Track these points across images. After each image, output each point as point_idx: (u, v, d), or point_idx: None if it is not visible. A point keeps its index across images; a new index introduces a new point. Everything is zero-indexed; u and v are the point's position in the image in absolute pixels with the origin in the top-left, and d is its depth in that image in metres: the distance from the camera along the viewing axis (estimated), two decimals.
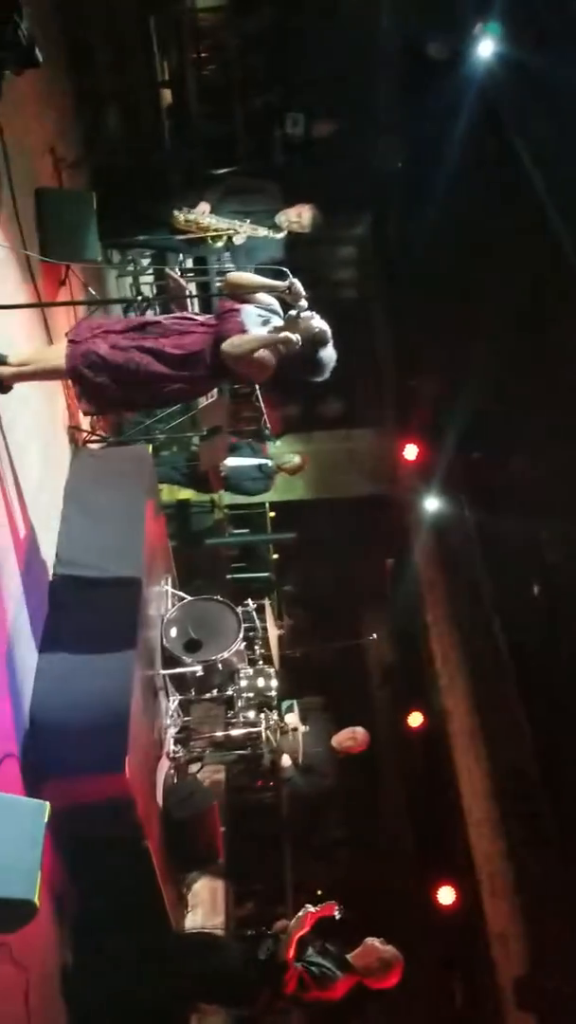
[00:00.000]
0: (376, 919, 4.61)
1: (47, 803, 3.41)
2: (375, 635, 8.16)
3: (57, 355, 4.06)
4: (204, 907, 6.38)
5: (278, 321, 4.10)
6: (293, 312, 4.01)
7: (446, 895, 7.07)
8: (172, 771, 5.53)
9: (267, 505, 8.90)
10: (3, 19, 3.24)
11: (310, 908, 4.40)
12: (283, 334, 3.94)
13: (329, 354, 4.03)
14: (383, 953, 4.38)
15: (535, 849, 6.39)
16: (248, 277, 4.27)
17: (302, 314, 3.96)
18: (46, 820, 3.37)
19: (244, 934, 5.39)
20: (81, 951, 4.57)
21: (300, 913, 4.41)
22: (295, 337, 3.92)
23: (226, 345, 3.94)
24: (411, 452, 8.59)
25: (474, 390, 7.57)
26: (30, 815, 3.35)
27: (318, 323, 3.97)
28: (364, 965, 4.40)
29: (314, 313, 4.00)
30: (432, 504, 8.48)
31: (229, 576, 8.52)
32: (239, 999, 4.87)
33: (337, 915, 4.40)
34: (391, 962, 4.37)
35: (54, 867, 4.27)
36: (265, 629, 6.49)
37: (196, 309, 6.09)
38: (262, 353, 3.96)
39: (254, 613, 6.36)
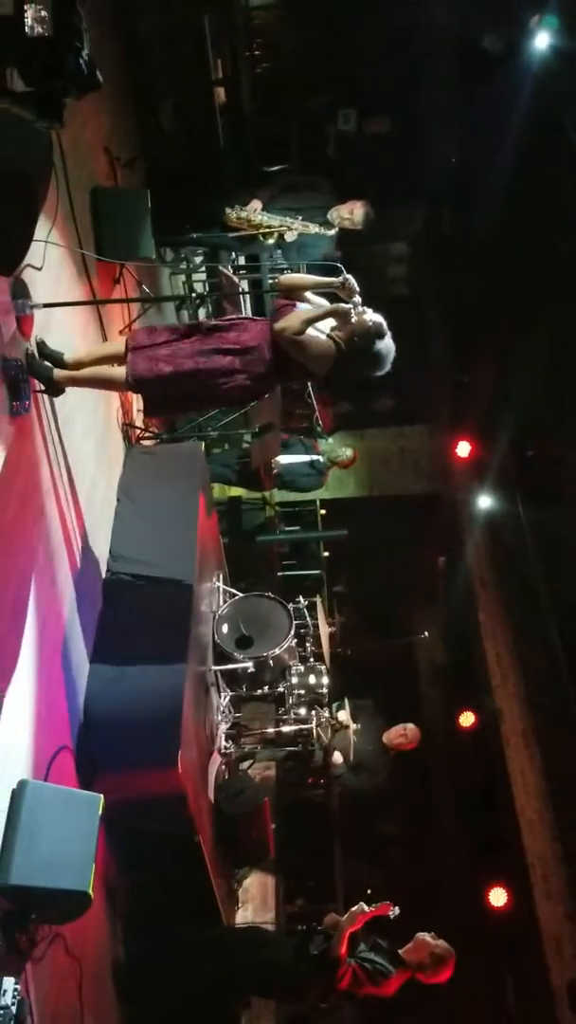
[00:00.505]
0: (427, 919, 4.57)
1: (101, 796, 3.45)
2: (426, 633, 8.10)
3: (115, 351, 4.08)
4: (255, 903, 6.40)
5: (332, 321, 4.09)
6: (347, 305, 3.99)
7: (498, 896, 7.01)
8: (223, 767, 5.56)
9: (318, 503, 8.89)
10: (66, 49, 3.25)
11: (364, 907, 4.39)
12: (333, 305, 3.94)
13: (388, 345, 4.00)
14: (435, 948, 4.37)
15: None
16: (300, 278, 4.29)
17: (356, 309, 3.94)
18: (100, 813, 3.41)
19: (295, 929, 5.39)
20: (133, 944, 4.61)
21: (354, 909, 4.40)
22: (345, 307, 3.91)
23: (277, 325, 3.95)
24: (464, 449, 8.50)
25: (528, 386, 7.48)
26: (85, 808, 3.39)
27: (372, 316, 3.95)
28: (416, 960, 4.39)
29: (369, 310, 3.98)
30: (485, 502, 8.38)
31: (280, 574, 8.52)
32: (291, 993, 4.89)
33: (391, 915, 4.39)
34: (444, 957, 4.36)
35: (107, 860, 4.32)
36: (316, 626, 6.48)
37: (248, 306, 6.12)
38: (321, 342, 3.95)
39: (305, 610, 6.35)
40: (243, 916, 6.08)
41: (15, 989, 2.88)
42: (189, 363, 3.96)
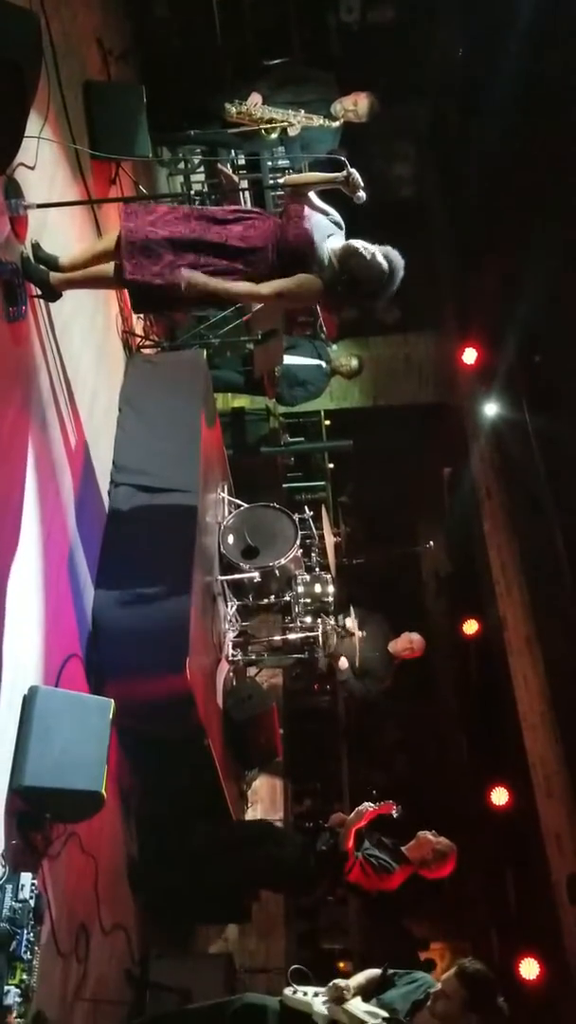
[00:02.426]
0: (430, 819, 4.70)
1: (112, 701, 3.50)
2: (431, 543, 8.12)
3: (108, 244, 3.93)
4: (264, 804, 6.58)
5: (340, 239, 3.97)
6: (351, 246, 3.87)
7: (500, 796, 7.19)
8: (231, 674, 5.64)
9: (322, 413, 8.80)
10: None
11: (370, 805, 4.51)
12: (337, 174, 3.85)
13: (396, 278, 3.87)
14: (437, 844, 4.49)
15: None
16: (306, 175, 4.16)
17: (359, 248, 3.83)
18: (111, 717, 3.46)
19: (303, 826, 5.56)
20: (146, 842, 4.75)
21: (360, 808, 4.52)
22: (343, 174, 3.83)
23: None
24: (470, 356, 8.34)
25: (537, 291, 7.30)
26: (96, 712, 3.45)
27: (380, 257, 3.83)
28: (419, 857, 4.52)
29: (375, 250, 3.85)
30: (491, 410, 8.27)
31: (285, 485, 8.50)
32: (299, 886, 5.08)
33: (395, 814, 4.50)
34: (445, 852, 4.49)
35: (121, 764, 4.41)
36: (322, 537, 6.49)
37: (249, 205, 5.93)
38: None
39: (311, 521, 6.35)
40: (252, 816, 6.25)
41: (32, 884, 2.97)
42: (189, 257, 3.83)
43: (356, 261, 3.84)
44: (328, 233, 3.97)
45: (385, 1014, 3.14)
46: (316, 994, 3.27)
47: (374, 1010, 3.17)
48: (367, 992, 3.34)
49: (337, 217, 4.06)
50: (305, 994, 3.28)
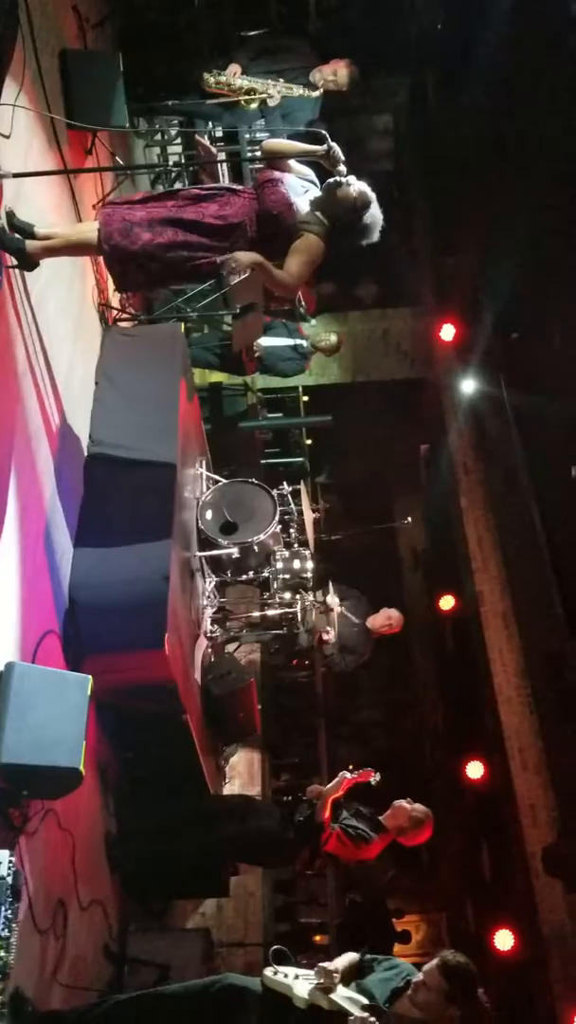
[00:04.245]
0: (407, 793, 4.73)
1: (90, 677, 3.49)
2: (409, 519, 8.14)
3: (89, 227, 3.93)
4: (242, 778, 6.61)
5: (317, 191, 3.95)
6: (332, 180, 3.87)
7: (475, 769, 7.26)
8: (210, 650, 5.63)
9: (300, 389, 8.76)
10: None
11: (347, 774, 4.54)
12: (317, 147, 3.88)
13: (374, 214, 3.91)
14: (413, 812, 4.53)
15: (566, 724, 6.49)
16: (285, 143, 4.11)
17: (341, 179, 3.80)
18: (89, 693, 3.45)
19: (280, 799, 5.58)
20: (124, 817, 4.75)
21: (337, 778, 4.55)
22: (323, 148, 3.84)
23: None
24: (448, 332, 8.34)
25: (514, 267, 7.29)
26: (74, 688, 3.43)
27: (358, 186, 3.83)
28: (396, 825, 4.56)
29: (352, 178, 3.83)
30: (469, 386, 8.29)
31: (263, 461, 8.47)
32: (278, 858, 5.11)
33: (373, 782, 4.53)
34: (422, 819, 4.53)
35: (99, 739, 4.40)
36: (300, 513, 6.48)
37: (227, 178, 5.86)
38: (311, 246, 3.89)
39: (289, 496, 6.34)
40: (230, 791, 6.27)
41: (10, 861, 2.96)
42: (168, 233, 3.81)
43: (342, 191, 3.87)
44: (304, 190, 4.00)
45: (365, 1000, 3.14)
46: (297, 976, 3.25)
47: (354, 996, 3.16)
48: (346, 977, 3.34)
49: (310, 174, 4.05)
50: (286, 976, 3.26)
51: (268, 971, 3.31)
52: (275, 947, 3.37)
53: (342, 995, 3.14)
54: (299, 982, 3.23)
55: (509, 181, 7.57)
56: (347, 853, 4.57)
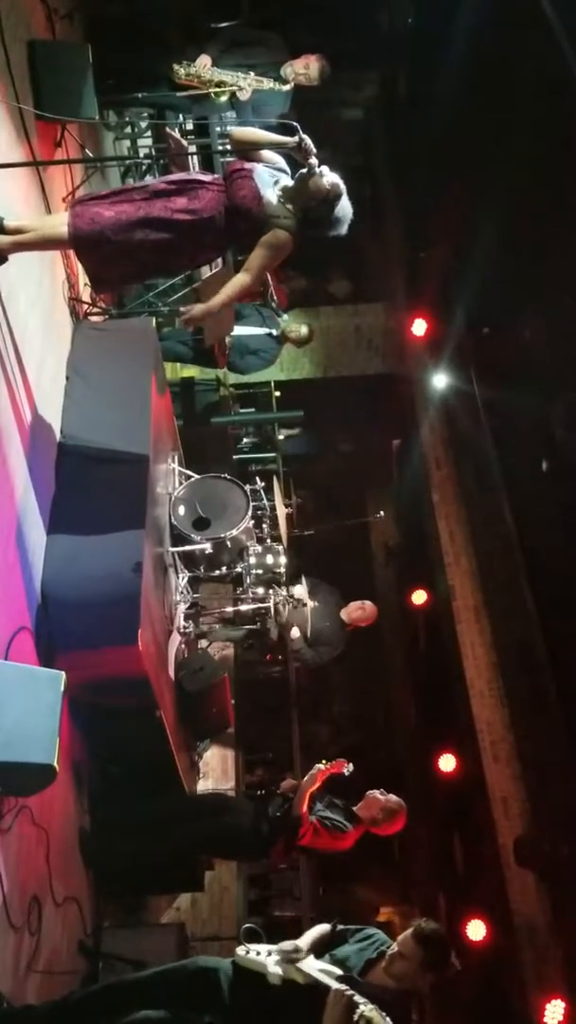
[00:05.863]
0: (381, 784, 4.76)
1: (63, 673, 3.46)
2: (381, 513, 8.16)
3: (59, 221, 3.90)
4: (215, 774, 6.61)
5: (287, 180, 3.95)
6: (304, 171, 3.86)
7: (447, 762, 7.30)
8: (183, 646, 5.62)
9: (272, 384, 8.76)
10: None
11: (321, 766, 4.56)
12: (288, 139, 3.86)
13: (344, 207, 3.90)
14: (386, 803, 4.57)
15: (537, 717, 6.55)
16: (255, 132, 4.09)
17: (314, 170, 3.79)
18: (63, 689, 3.43)
19: (254, 794, 5.59)
20: (98, 814, 4.73)
21: (312, 771, 4.57)
22: (295, 140, 3.83)
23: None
24: (419, 327, 8.37)
25: (485, 263, 7.32)
26: (47, 684, 3.41)
27: (330, 177, 3.83)
28: (370, 816, 4.59)
29: (325, 169, 3.83)
30: (440, 381, 8.32)
31: (236, 456, 8.46)
32: (253, 853, 5.11)
33: (346, 772, 4.56)
34: (395, 810, 4.56)
35: (72, 736, 4.37)
36: (273, 508, 6.47)
37: (197, 170, 5.83)
38: (278, 240, 3.88)
39: (262, 492, 6.33)
40: (204, 787, 6.27)
41: None
42: (137, 233, 3.78)
43: (313, 182, 3.87)
44: (274, 180, 3.97)
45: (339, 972, 3.15)
46: (270, 953, 3.26)
47: (328, 967, 3.17)
48: (318, 950, 3.35)
49: (280, 161, 4.03)
50: (258, 954, 3.27)
51: (240, 950, 3.31)
52: (247, 925, 3.37)
53: (316, 967, 3.14)
54: (272, 959, 3.23)
55: (480, 175, 7.61)
56: (323, 844, 4.60)
